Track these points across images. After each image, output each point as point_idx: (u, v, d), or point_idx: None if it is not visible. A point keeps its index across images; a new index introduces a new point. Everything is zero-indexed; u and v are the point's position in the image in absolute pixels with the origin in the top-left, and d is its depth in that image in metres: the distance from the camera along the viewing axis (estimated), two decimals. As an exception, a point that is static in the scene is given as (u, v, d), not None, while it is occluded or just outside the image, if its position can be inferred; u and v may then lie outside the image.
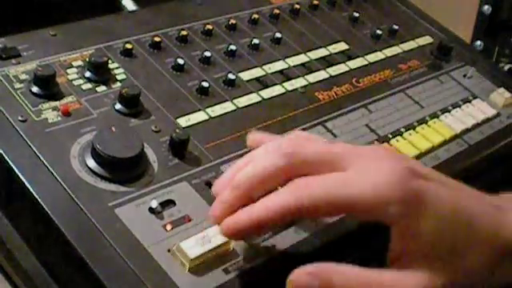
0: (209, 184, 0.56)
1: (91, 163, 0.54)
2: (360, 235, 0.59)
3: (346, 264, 0.46)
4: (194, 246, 0.50)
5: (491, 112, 0.76)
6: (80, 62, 0.63)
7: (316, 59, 0.75)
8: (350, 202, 0.45)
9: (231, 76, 0.67)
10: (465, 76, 0.82)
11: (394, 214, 0.45)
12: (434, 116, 0.73)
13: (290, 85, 0.70)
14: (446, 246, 0.46)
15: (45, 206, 0.50)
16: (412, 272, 0.45)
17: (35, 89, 0.59)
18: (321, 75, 0.73)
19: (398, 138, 0.68)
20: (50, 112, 0.57)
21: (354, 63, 0.77)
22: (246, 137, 0.55)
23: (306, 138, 0.52)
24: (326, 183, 0.46)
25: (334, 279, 0.45)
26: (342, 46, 0.79)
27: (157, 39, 0.68)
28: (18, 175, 0.52)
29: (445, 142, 0.70)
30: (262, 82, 0.69)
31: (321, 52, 0.77)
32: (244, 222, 0.47)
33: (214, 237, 0.51)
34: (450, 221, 0.46)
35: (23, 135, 0.55)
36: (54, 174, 0.52)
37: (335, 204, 0.45)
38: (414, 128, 0.70)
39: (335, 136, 0.66)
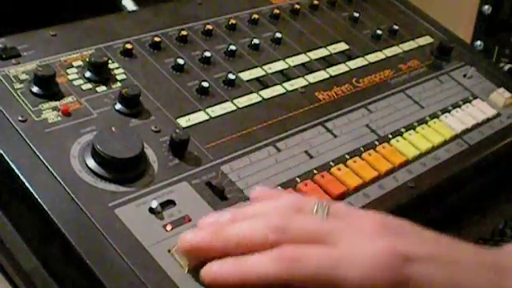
0: (209, 184, 0.56)
1: (91, 163, 0.54)
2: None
3: None
4: (194, 246, 0.50)
5: (491, 112, 0.76)
6: (80, 62, 0.63)
7: (316, 59, 0.75)
8: (337, 284, 0.44)
9: (231, 76, 0.67)
10: (465, 76, 0.82)
11: None
12: (434, 116, 0.73)
13: (290, 85, 0.70)
14: None
15: (45, 206, 0.50)
16: None
17: (35, 89, 0.59)
18: (321, 75, 0.73)
19: (398, 138, 0.68)
20: (50, 112, 0.57)
21: (354, 63, 0.77)
22: (251, 189, 0.54)
23: (298, 208, 0.49)
24: (317, 262, 0.45)
25: None
26: (342, 46, 0.79)
27: (157, 39, 0.68)
28: (18, 175, 0.52)
29: (445, 142, 0.70)
30: (262, 82, 0.69)
31: (321, 52, 0.77)
32: (227, 274, 0.46)
33: (214, 237, 0.51)
34: None
35: (23, 135, 0.55)
36: (54, 173, 0.52)
37: (323, 283, 0.44)
38: (414, 128, 0.70)
39: (335, 136, 0.66)
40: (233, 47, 0.71)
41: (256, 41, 0.73)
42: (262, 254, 0.46)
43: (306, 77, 0.72)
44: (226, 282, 0.46)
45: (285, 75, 0.71)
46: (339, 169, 0.62)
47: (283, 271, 0.44)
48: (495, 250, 0.50)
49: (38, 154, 0.54)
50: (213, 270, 0.47)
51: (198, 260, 0.48)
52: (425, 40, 0.86)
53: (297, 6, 0.81)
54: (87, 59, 0.63)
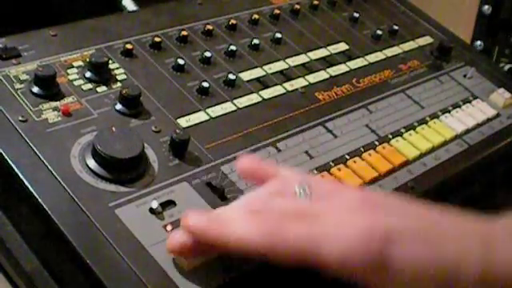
0: (209, 184, 0.56)
1: (92, 163, 0.54)
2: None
3: None
4: (195, 246, 0.50)
5: (491, 112, 0.77)
6: (80, 63, 0.63)
7: (316, 59, 0.75)
8: (314, 260, 0.44)
9: (231, 76, 0.67)
10: (465, 76, 0.82)
11: (362, 278, 0.44)
12: (434, 116, 0.73)
13: (290, 85, 0.70)
14: None
15: (45, 206, 0.50)
16: None
17: (36, 89, 0.59)
18: (321, 75, 0.73)
19: (398, 138, 0.68)
20: (50, 112, 0.57)
21: (354, 63, 0.77)
22: (237, 161, 0.53)
23: (279, 192, 0.49)
24: (296, 237, 0.44)
25: None
26: (342, 47, 0.79)
27: (157, 39, 0.68)
28: (18, 175, 0.52)
29: (445, 143, 0.70)
30: (262, 82, 0.69)
31: (321, 52, 0.77)
32: (206, 227, 0.46)
33: (214, 237, 0.51)
34: (429, 279, 0.44)
35: (23, 135, 0.55)
36: (54, 173, 0.52)
37: (300, 259, 0.44)
38: (414, 128, 0.70)
39: (335, 136, 0.66)
40: (233, 47, 0.71)
41: (256, 41, 0.73)
42: (246, 223, 0.45)
43: (306, 77, 0.72)
44: (203, 235, 0.46)
45: (285, 75, 0.71)
46: (339, 169, 0.62)
47: (263, 243, 0.44)
48: (489, 221, 0.47)
49: (38, 154, 0.54)
50: (195, 217, 0.47)
51: (191, 253, 0.47)
52: (425, 40, 0.86)
53: (297, 6, 0.81)
54: (87, 59, 0.63)
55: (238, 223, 0.46)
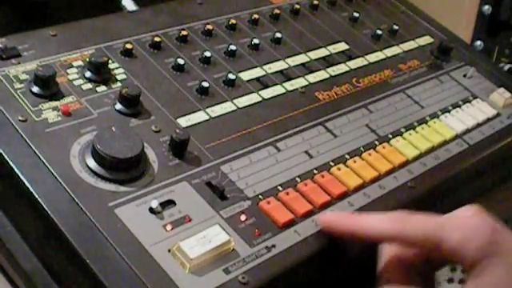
0: (209, 184, 0.56)
1: (91, 163, 0.54)
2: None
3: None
4: (195, 246, 0.50)
5: (491, 112, 0.77)
6: (80, 62, 0.63)
7: (316, 59, 0.75)
8: (438, 243, 0.51)
9: (231, 76, 0.67)
10: (465, 76, 0.82)
11: (474, 258, 0.50)
12: (434, 116, 0.73)
13: (290, 85, 0.70)
14: None
15: (45, 206, 0.50)
16: None
17: (35, 89, 0.59)
18: (321, 75, 0.73)
19: (398, 138, 0.68)
20: (50, 112, 0.57)
21: (354, 63, 0.77)
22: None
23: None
24: (424, 223, 0.53)
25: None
26: (342, 46, 0.79)
27: (157, 39, 0.68)
28: (18, 175, 0.52)
29: (445, 142, 0.70)
30: (262, 82, 0.69)
31: (321, 52, 0.77)
32: (343, 223, 0.55)
33: (214, 237, 0.51)
34: None
35: (23, 135, 0.55)
36: (54, 173, 0.52)
37: (426, 243, 0.52)
38: (414, 128, 0.70)
39: (335, 136, 0.66)
40: (233, 47, 0.71)
41: (256, 41, 0.73)
42: (376, 215, 0.54)
43: (306, 77, 0.72)
44: (339, 227, 0.55)
45: (285, 75, 0.71)
46: (339, 169, 0.62)
47: (393, 228, 0.53)
48: None
49: (38, 153, 0.54)
50: (329, 216, 0.56)
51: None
52: (425, 40, 0.86)
53: (297, 6, 0.81)
54: (87, 59, 0.63)
55: (370, 216, 0.55)
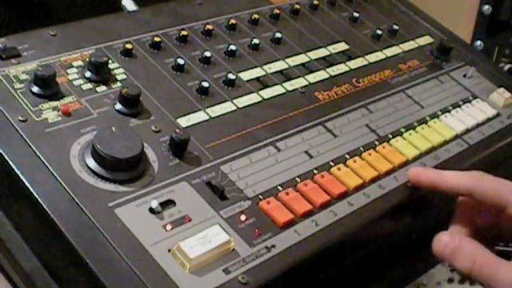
0: (209, 184, 0.56)
1: (91, 163, 0.54)
2: (360, 237, 0.59)
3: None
4: (194, 246, 0.50)
5: (491, 112, 0.76)
6: (80, 62, 0.63)
7: (316, 59, 0.75)
8: (505, 204, 0.56)
9: (231, 76, 0.67)
10: (465, 76, 0.82)
11: None
12: (434, 116, 0.73)
13: (290, 85, 0.70)
14: None
15: (45, 206, 0.50)
16: None
17: (35, 89, 0.59)
18: (321, 75, 0.73)
19: (398, 138, 0.68)
20: (50, 112, 0.57)
21: (354, 63, 0.77)
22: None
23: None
24: (499, 181, 0.58)
25: (464, 246, 0.56)
26: (342, 46, 0.79)
27: (157, 39, 0.68)
28: (18, 175, 0.52)
29: (445, 142, 0.70)
30: (262, 82, 0.69)
31: (321, 52, 0.77)
32: (428, 174, 0.62)
33: (214, 237, 0.51)
34: None
35: (23, 135, 0.55)
36: (54, 173, 0.52)
37: (497, 199, 0.57)
38: (414, 128, 0.70)
39: (335, 136, 0.66)
40: (233, 47, 0.71)
41: (256, 41, 0.73)
42: (456, 172, 0.61)
43: (306, 77, 0.72)
44: (425, 179, 0.61)
45: (285, 75, 0.71)
46: (339, 169, 0.62)
47: (471, 182, 0.58)
48: None
49: (38, 153, 0.54)
50: (418, 169, 0.63)
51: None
52: (425, 40, 0.86)
53: (297, 6, 0.81)
54: (87, 59, 0.63)
55: (451, 172, 0.61)
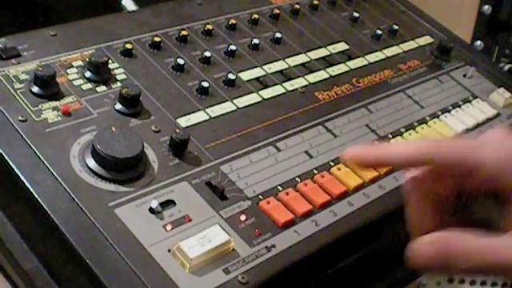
0: (209, 184, 0.56)
1: (91, 163, 0.54)
2: (360, 236, 0.59)
3: (463, 232, 0.47)
4: (194, 245, 0.50)
5: (491, 112, 0.77)
6: (80, 62, 0.63)
7: (316, 59, 0.75)
8: (480, 162, 0.47)
9: (231, 76, 0.67)
10: (465, 76, 0.82)
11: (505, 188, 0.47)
12: (434, 116, 0.73)
13: (290, 85, 0.70)
14: None
15: (45, 206, 0.50)
16: None
17: (35, 89, 0.59)
18: (321, 75, 0.73)
19: (398, 138, 0.68)
20: (50, 112, 0.57)
21: (354, 63, 0.77)
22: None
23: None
24: (460, 143, 0.49)
25: (452, 247, 0.47)
26: (342, 46, 0.79)
27: (157, 39, 0.68)
28: (18, 175, 0.52)
29: (445, 142, 0.70)
30: (262, 82, 0.69)
31: (321, 52, 0.77)
32: (368, 154, 0.50)
33: (213, 237, 0.51)
34: None
35: (23, 135, 0.55)
36: (54, 173, 0.52)
37: (460, 162, 0.48)
38: (414, 128, 0.70)
39: (335, 136, 0.66)
40: (233, 47, 0.71)
41: (256, 41, 0.73)
42: (403, 142, 0.52)
43: (306, 77, 0.72)
44: (368, 154, 0.50)
45: (285, 75, 0.71)
46: (339, 169, 0.62)
47: (425, 150, 0.48)
48: None
49: (38, 153, 0.54)
50: (352, 150, 0.50)
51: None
52: (425, 40, 0.86)
53: (297, 6, 0.81)
54: (87, 59, 0.63)
55: (397, 143, 0.54)
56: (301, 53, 0.75)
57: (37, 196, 0.51)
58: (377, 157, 0.50)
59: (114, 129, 0.55)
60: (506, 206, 0.48)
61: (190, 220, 0.53)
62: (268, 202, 0.56)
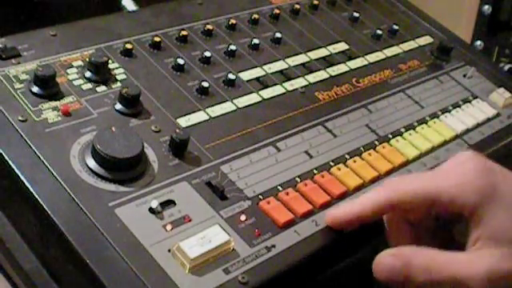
0: (209, 184, 0.56)
1: (91, 163, 0.54)
2: (360, 237, 0.59)
3: (424, 247, 0.51)
4: (194, 245, 0.50)
5: (491, 112, 0.77)
6: (80, 62, 0.63)
7: (316, 59, 0.75)
8: (436, 193, 0.51)
9: (231, 76, 0.67)
10: (465, 76, 0.82)
11: (473, 203, 0.50)
12: (434, 116, 0.73)
13: (290, 85, 0.70)
14: None
15: (45, 206, 0.50)
16: (484, 255, 0.50)
17: (35, 89, 0.59)
18: (321, 75, 0.73)
19: (398, 138, 0.68)
20: (50, 112, 0.57)
21: (354, 63, 0.77)
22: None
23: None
24: (419, 179, 0.53)
25: (413, 260, 0.50)
26: (342, 46, 0.79)
27: (157, 39, 0.68)
28: (18, 175, 0.52)
29: (445, 142, 0.70)
30: (262, 82, 0.69)
31: (321, 52, 0.77)
32: (344, 214, 0.55)
33: (213, 237, 0.51)
34: None
35: (23, 135, 0.55)
36: (54, 173, 0.52)
37: (422, 196, 0.52)
38: (414, 128, 0.70)
39: (335, 136, 0.66)
40: (233, 47, 0.71)
41: (256, 41, 0.73)
42: (365, 194, 0.54)
43: (306, 77, 0.72)
44: (345, 219, 0.54)
45: (285, 75, 0.71)
46: (339, 169, 0.62)
47: (386, 198, 0.52)
48: None
49: (38, 153, 0.54)
50: (331, 213, 0.55)
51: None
52: (425, 40, 0.86)
53: (297, 6, 0.81)
54: (87, 59, 0.63)
55: (361, 197, 0.55)
56: (301, 53, 0.75)
57: (37, 196, 0.51)
58: (350, 221, 0.54)
59: (113, 129, 0.55)
60: (463, 225, 0.52)
61: (189, 220, 0.53)
62: (268, 202, 0.56)
